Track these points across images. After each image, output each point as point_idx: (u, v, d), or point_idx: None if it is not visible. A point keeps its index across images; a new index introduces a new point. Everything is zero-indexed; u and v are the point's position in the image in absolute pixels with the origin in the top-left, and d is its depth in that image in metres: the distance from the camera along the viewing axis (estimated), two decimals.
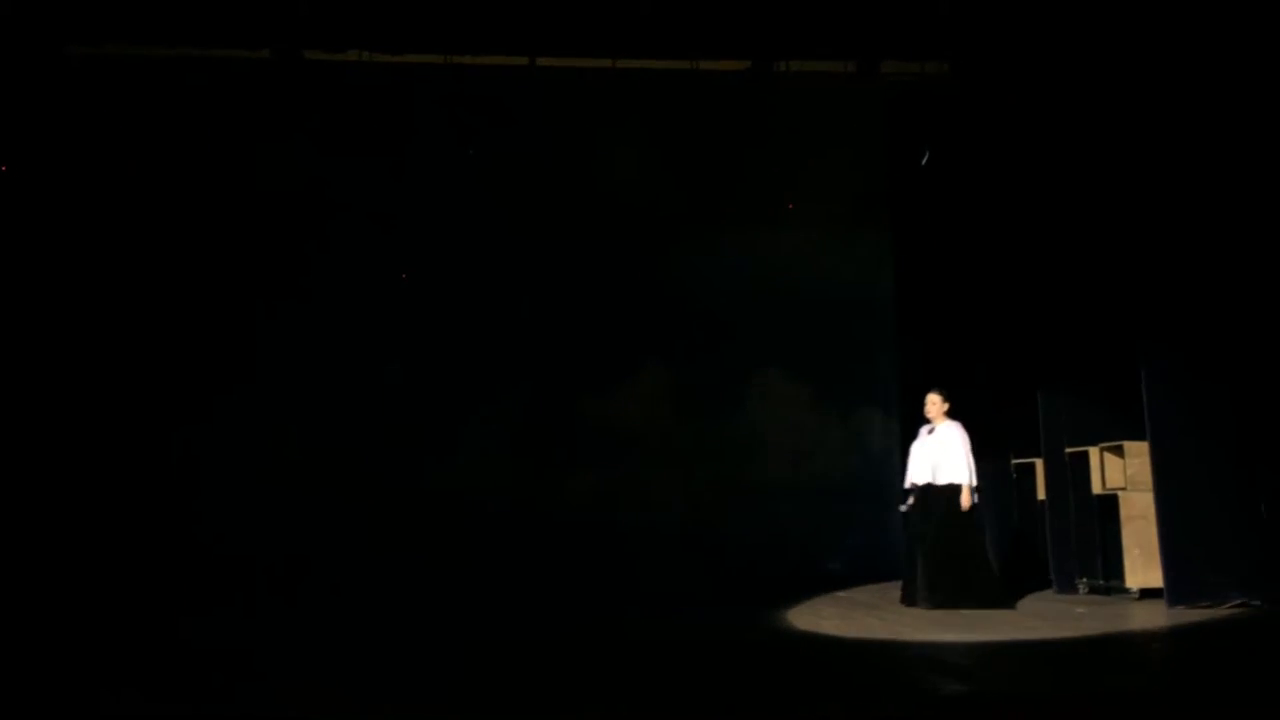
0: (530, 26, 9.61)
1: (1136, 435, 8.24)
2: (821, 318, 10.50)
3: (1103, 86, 8.71)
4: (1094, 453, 8.55)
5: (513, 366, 10.09)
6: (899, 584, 8.19)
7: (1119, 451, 8.42)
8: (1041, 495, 9.19)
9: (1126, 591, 8.05)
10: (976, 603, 7.59)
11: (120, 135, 9.72)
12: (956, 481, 7.87)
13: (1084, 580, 8.49)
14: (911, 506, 8.16)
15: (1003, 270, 9.95)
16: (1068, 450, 8.76)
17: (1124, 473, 8.39)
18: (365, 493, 9.64)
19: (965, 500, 7.83)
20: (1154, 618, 7.14)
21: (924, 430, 8.24)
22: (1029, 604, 8.00)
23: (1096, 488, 8.51)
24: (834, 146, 10.64)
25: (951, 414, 8.13)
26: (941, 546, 7.78)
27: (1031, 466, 9.41)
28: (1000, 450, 9.69)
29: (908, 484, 8.23)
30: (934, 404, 8.16)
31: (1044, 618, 7.28)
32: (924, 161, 10.20)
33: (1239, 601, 7.16)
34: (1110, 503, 8.33)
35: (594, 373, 10.20)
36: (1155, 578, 7.74)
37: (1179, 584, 7.37)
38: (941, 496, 7.89)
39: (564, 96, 10.29)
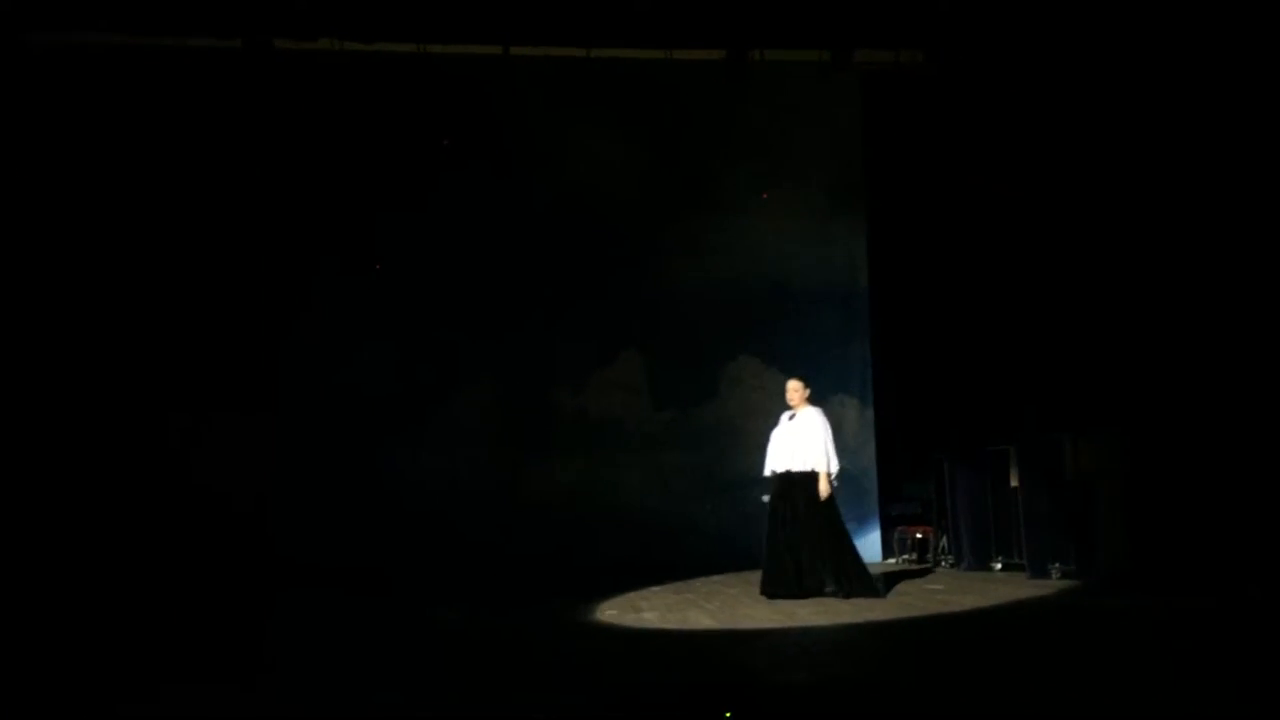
0: (504, 16, 9.60)
1: (1110, 422, 8.32)
2: (796, 306, 10.53)
3: (1078, 72, 8.75)
4: (1067, 439, 8.60)
5: (487, 355, 10.07)
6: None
7: (1092, 439, 8.48)
8: (1014, 482, 9.24)
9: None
10: (845, 591, 7.45)
11: (85, 126, 9.59)
12: (815, 469, 7.69)
13: (1057, 565, 8.55)
14: (771, 495, 7.89)
15: (978, 258, 10.01)
16: (1041, 437, 8.81)
17: (1096, 460, 8.44)
18: (332, 480, 9.59)
19: (824, 487, 7.65)
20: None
21: (784, 417, 8.03)
22: (995, 588, 8.05)
23: (1069, 474, 8.56)
24: (809, 135, 10.67)
25: (817, 400, 8.12)
26: (802, 535, 7.60)
27: (1005, 453, 9.46)
28: (974, 436, 9.75)
29: (767, 472, 7.97)
30: (795, 390, 7.98)
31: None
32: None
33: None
34: (1083, 489, 8.38)
35: (569, 362, 10.20)
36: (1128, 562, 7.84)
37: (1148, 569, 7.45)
38: (801, 484, 7.70)
39: (538, 86, 10.28)
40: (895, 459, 10.49)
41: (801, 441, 7.77)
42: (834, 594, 7.48)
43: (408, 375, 9.92)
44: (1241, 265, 7.92)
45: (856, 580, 7.59)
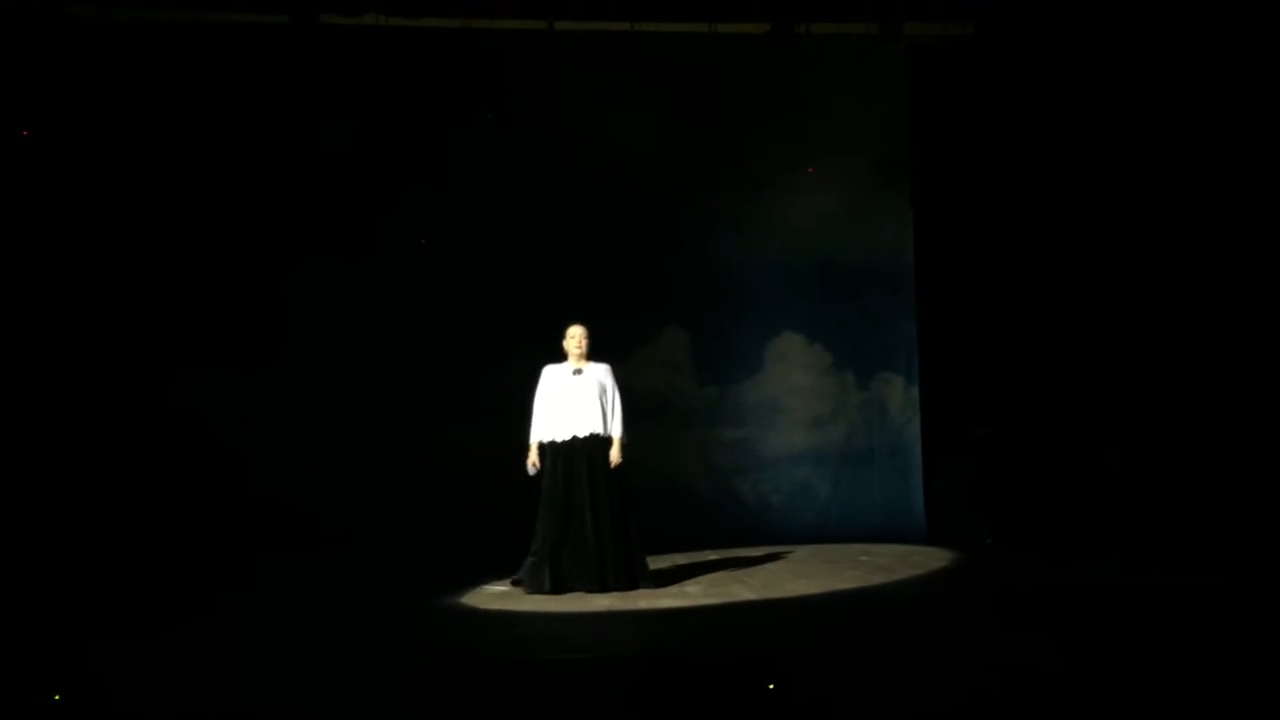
0: None
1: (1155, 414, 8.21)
2: (842, 283, 10.42)
3: (1134, 45, 8.59)
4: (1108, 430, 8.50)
5: (531, 331, 10.00)
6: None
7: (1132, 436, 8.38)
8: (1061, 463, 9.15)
9: None
10: (648, 581, 6.81)
11: (130, 101, 9.62)
12: (614, 434, 6.89)
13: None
14: (552, 466, 6.88)
15: (1026, 234, 9.89)
16: (1081, 423, 8.72)
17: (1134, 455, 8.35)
18: (378, 453, 9.58)
19: (616, 454, 6.82)
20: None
21: (566, 371, 7.03)
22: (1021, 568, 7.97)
23: (1113, 464, 8.46)
24: (855, 110, 10.51)
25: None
26: (607, 515, 6.73)
27: (1051, 432, 9.34)
28: (1020, 417, 9.66)
29: (547, 437, 6.93)
30: (585, 339, 7.04)
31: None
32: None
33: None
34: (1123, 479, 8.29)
35: (612, 338, 10.10)
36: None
37: None
38: (598, 452, 6.83)
39: (582, 60, 10.23)
40: (940, 437, 10.39)
41: (598, 402, 6.90)
42: (643, 585, 6.79)
43: (445, 349, 9.89)
44: None
45: (641, 569, 6.87)
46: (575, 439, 6.87)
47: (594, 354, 7.27)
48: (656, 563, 8.00)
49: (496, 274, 10.01)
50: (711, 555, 8.58)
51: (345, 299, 9.85)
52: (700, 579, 7.43)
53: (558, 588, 6.70)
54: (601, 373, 7.08)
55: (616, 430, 6.95)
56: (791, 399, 10.44)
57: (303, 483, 9.37)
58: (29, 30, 9.30)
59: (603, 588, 6.69)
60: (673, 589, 7.02)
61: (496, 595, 6.93)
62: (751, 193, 10.41)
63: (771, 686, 4.03)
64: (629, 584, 6.79)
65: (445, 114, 10.02)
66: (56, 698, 4.21)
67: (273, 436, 9.52)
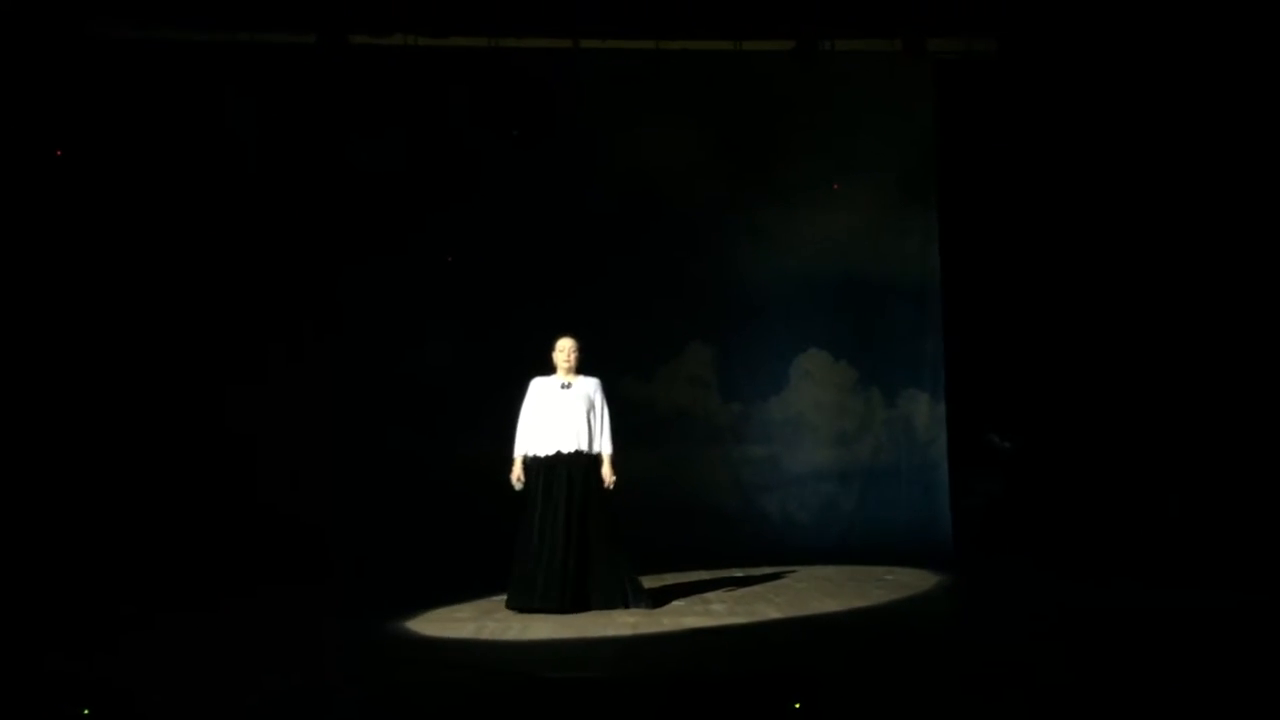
0: (574, 9, 9.66)
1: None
2: (867, 299, 10.40)
3: (1150, 59, 8.58)
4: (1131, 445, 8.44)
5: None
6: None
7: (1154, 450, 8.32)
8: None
9: None
10: (643, 601, 6.62)
11: (161, 121, 9.75)
12: (603, 451, 6.72)
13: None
14: (535, 482, 6.72)
15: (1052, 249, 9.87)
16: (1105, 439, 8.67)
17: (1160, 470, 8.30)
18: (398, 469, 9.59)
19: (609, 473, 6.68)
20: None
21: (554, 384, 6.88)
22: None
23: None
24: (880, 126, 10.51)
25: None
26: (591, 534, 6.58)
27: (1078, 449, 9.28)
28: (1045, 433, 9.61)
29: (531, 452, 6.76)
30: (575, 351, 6.90)
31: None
32: None
33: None
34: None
35: (637, 354, 10.16)
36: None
37: None
38: (588, 469, 6.68)
39: (607, 78, 10.28)
40: (966, 454, 10.34)
41: (585, 417, 6.75)
42: (637, 605, 6.60)
43: (470, 365, 9.91)
44: None
45: (634, 588, 6.70)
46: (560, 454, 6.73)
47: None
48: (680, 579, 8.05)
49: (521, 290, 10.04)
50: (737, 572, 8.55)
51: (371, 315, 9.92)
52: (725, 596, 7.42)
53: (539, 606, 6.56)
54: (591, 387, 6.93)
55: (606, 448, 6.78)
56: (816, 416, 10.41)
57: (316, 496, 9.46)
58: (63, 52, 9.44)
59: (583, 607, 6.56)
60: (698, 606, 7.01)
61: (512, 613, 6.91)
62: (777, 209, 10.41)
63: (797, 705, 4.03)
64: (619, 602, 6.65)
65: (471, 132, 10.09)
66: (86, 712, 4.23)
67: (286, 448, 9.59)
